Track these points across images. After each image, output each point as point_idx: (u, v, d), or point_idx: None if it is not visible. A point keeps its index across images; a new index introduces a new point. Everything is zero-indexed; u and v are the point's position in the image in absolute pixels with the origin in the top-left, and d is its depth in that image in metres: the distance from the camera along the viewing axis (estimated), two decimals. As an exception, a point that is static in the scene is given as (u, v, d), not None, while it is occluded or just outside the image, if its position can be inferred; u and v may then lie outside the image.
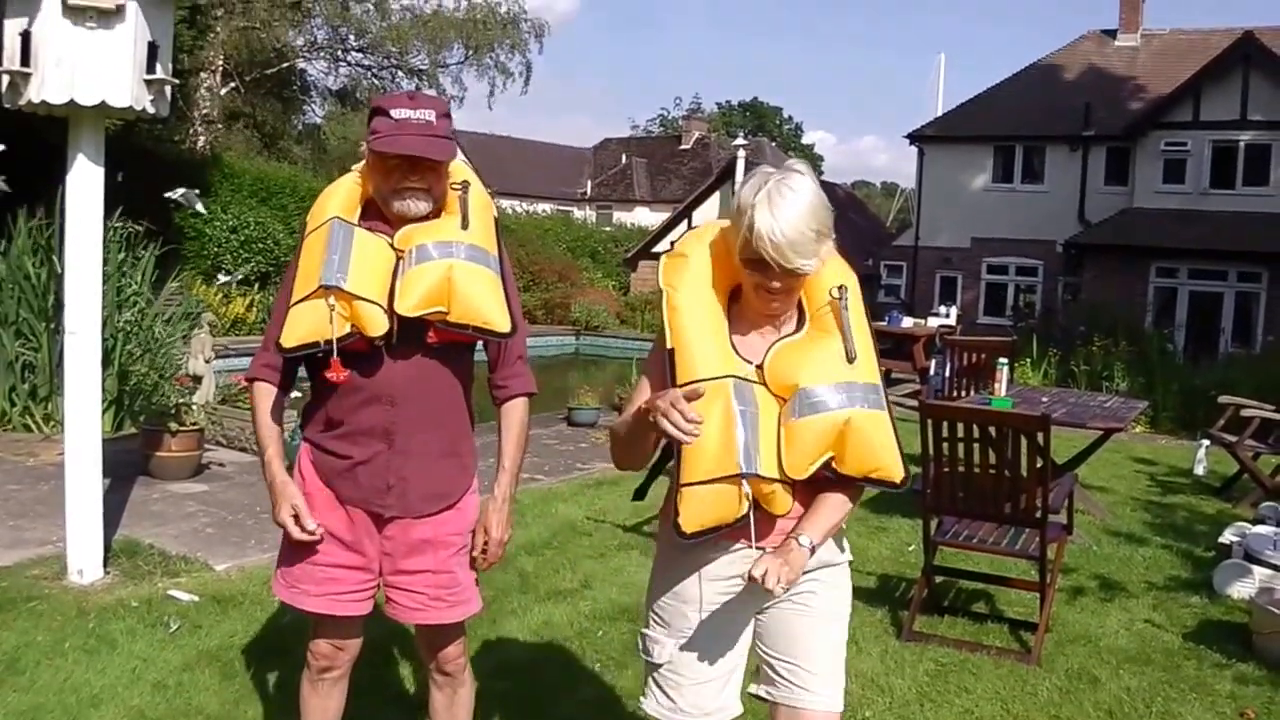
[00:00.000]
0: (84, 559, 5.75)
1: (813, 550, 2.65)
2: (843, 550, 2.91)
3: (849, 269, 2.77)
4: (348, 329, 2.94)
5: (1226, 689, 5.18)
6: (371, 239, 3.02)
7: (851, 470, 2.64)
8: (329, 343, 2.93)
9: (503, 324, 3.07)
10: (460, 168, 3.14)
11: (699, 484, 2.61)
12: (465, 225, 3.06)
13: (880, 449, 2.63)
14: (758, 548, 2.65)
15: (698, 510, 2.63)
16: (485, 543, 3.24)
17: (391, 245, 3.02)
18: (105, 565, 5.89)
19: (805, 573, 2.70)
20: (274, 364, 3.13)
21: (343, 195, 3.13)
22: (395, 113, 2.93)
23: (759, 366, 2.68)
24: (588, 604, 5.96)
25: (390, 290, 2.97)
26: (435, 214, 3.08)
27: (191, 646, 4.97)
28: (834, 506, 2.72)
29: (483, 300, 3.03)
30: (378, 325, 2.96)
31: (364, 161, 3.13)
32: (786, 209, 2.50)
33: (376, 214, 3.09)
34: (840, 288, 2.69)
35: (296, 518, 3.07)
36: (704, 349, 2.66)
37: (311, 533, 3.08)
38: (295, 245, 3.20)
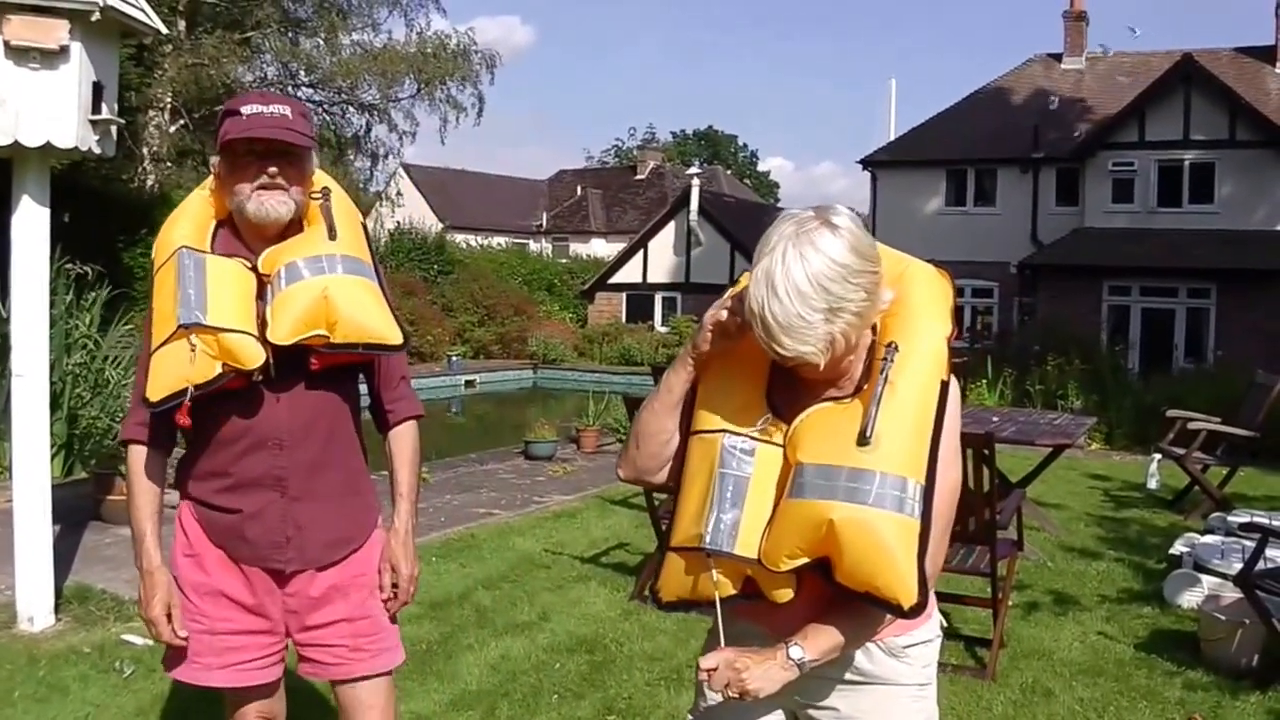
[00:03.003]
0: (34, 606, 5.69)
1: (802, 668, 2.13)
2: (907, 662, 2.31)
3: (932, 321, 2.17)
4: (219, 369, 2.62)
5: (1176, 695, 5.26)
6: (226, 264, 2.72)
7: (845, 579, 2.05)
8: (199, 387, 2.62)
9: (394, 336, 2.79)
10: (321, 175, 2.87)
11: (675, 549, 2.24)
12: (333, 235, 2.78)
13: (880, 561, 2.01)
14: (762, 631, 2.26)
15: (674, 579, 2.26)
16: (395, 582, 2.94)
17: (253, 269, 2.73)
18: (56, 611, 5.83)
19: (846, 684, 2.29)
20: (147, 420, 2.78)
21: (190, 219, 2.82)
22: (246, 109, 2.65)
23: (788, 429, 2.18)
24: (546, 636, 5.96)
25: (261, 319, 2.67)
26: (298, 228, 2.79)
27: (145, 691, 4.92)
28: (845, 619, 2.15)
29: (367, 314, 2.74)
30: (252, 356, 2.63)
31: (211, 178, 2.83)
32: (791, 279, 1.98)
33: (231, 237, 2.79)
34: (889, 345, 2.11)
35: (170, 617, 2.77)
36: (717, 394, 2.24)
37: (183, 639, 2.77)
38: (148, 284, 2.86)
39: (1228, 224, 24.03)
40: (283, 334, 2.66)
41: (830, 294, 1.98)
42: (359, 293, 2.74)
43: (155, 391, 2.64)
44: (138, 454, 2.81)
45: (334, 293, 2.69)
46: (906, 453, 2.06)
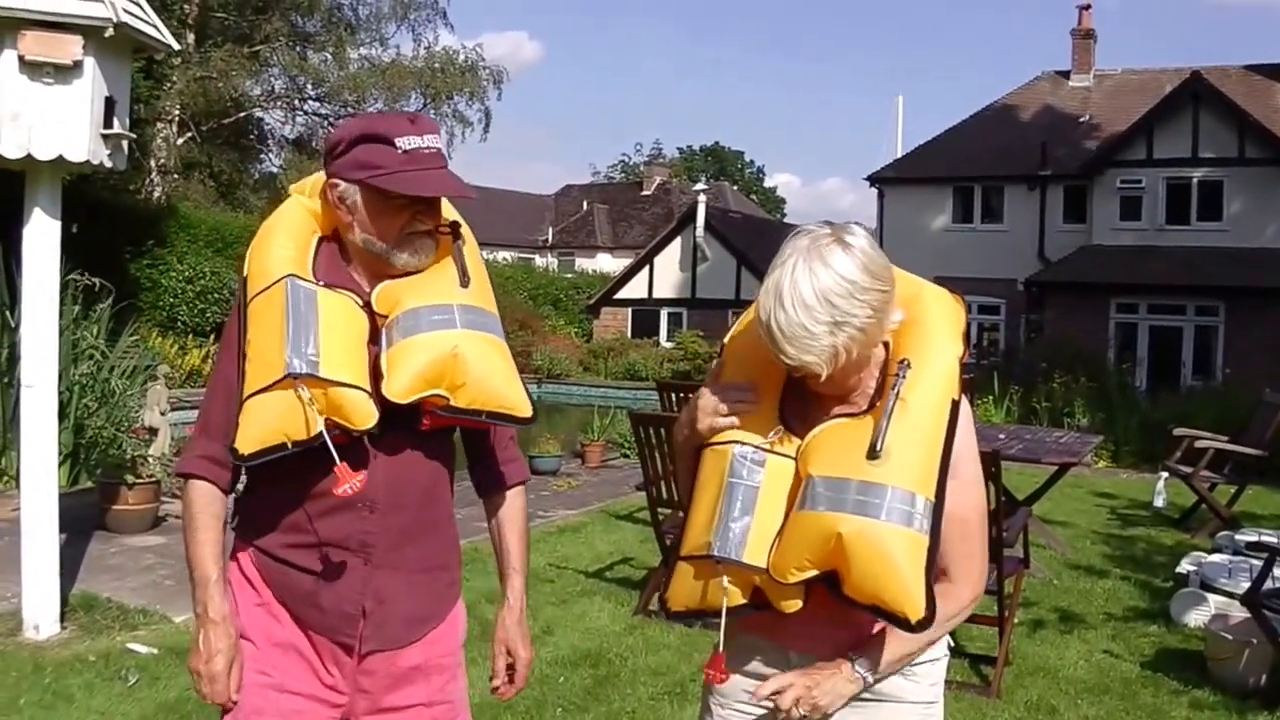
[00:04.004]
0: (40, 614, 5.71)
1: (866, 683, 2.20)
2: (914, 679, 2.34)
3: (944, 341, 2.20)
4: (321, 425, 2.26)
5: (1182, 715, 5.26)
6: (339, 302, 2.34)
7: (853, 593, 2.08)
8: (298, 444, 2.27)
9: (524, 407, 2.44)
10: (447, 208, 2.50)
11: (684, 558, 2.26)
12: (465, 282, 2.42)
13: (887, 575, 2.03)
14: (769, 644, 2.31)
15: (683, 588, 2.27)
16: (510, 665, 2.60)
17: (365, 306, 2.38)
18: (62, 620, 5.85)
19: (855, 700, 2.25)
20: (218, 457, 2.39)
21: (290, 236, 2.43)
22: (402, 141, 2.29)
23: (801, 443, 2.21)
24: (549, 650, 5.96)
25: (374, 368, 2.32)
26: None
27: (150, 699, 4.93)
28: (896, 635, 2.19)
29: (498, 379, 2.39)
30: (364, 417, 2.28)
31: (314, 188, 2.48)
32: (798, 291, 2.03)
33: (337, 261, 2.43)
34: (902, 362, 2.15)
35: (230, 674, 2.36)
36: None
37: (235, 703, 2.36)
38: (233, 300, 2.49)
39: (1236, 242, 24.03)
40: (401, 391, 2.30)
41: (835, 308, 2.01)
42: (491, 353, 2.39)
43: (248, 444, 2.27)
44: (203, 491, 2.42)
45: (465, 351, 2.34)
46: (916, 468, 2.08)
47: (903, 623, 2.06)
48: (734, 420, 2.23)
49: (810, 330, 2.02)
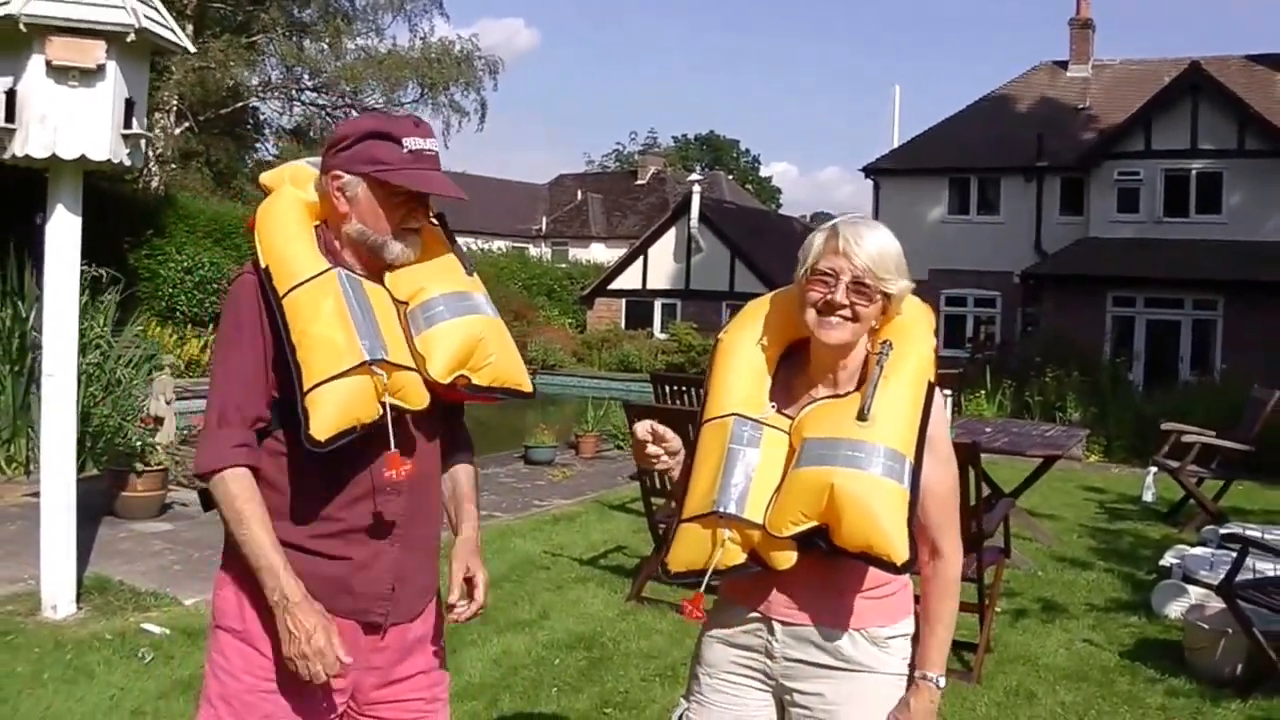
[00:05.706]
0: (58, 594, 5.89)
1: (943, 686, 2.54)
2: (888, 651, 2.54)
3: (921, 334, 2.53)
4: (379, 409, 2.41)
5: (1157, 701, 5.42)
6: (380, 292, 2.50)
7: (845, 542, 2.32)
8: (365, 426, 2.39)
9: (528, 383, 2.67)
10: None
11: (687, 520, 2.48)
12: (470, 271, 2.66)
13: (875, 520, 2.29)
14: (755, 614, 2.55)
15: (684, 549, 2.48)
16: (469, 579, 2.66)
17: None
18: (78, 601, 6.04)
19: (831, 669, 2.52)
20: (249, 443, 2.45)
21: (305, 231, 2.52)
22: (408, 141, 2.48)
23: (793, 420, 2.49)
24: (545, 634, 6.15)
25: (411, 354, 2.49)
26: None
27: (165, 676, 5.13)
28: (939, 611, 2.57)
29: (512, 358, 2.61)
30: (420, 397, 2.48)
31: (300, 181, 2.61)
32: (870, 226, 2.44)
33: (334, 249, 2.53)
34: (885, 343, 2.45)
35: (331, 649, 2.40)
36: (728, 388, 2.53)
37: (348, 662, 2.43)
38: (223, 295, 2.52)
39: (1235, 235, 23.77)
40: (441, 372, 2.48)
41: (895, 254, 2.44)
42: (505, 335, 2.61)
43: (324, 429, 2.34)
44: (244, 480, 2.41)
45: (488, 334, 2.54)
46: (899, 431, 2.38)
47: (889, 565, 2.32)
48: (662, 455, 2.53)
49: (867, 236, 2.40)
